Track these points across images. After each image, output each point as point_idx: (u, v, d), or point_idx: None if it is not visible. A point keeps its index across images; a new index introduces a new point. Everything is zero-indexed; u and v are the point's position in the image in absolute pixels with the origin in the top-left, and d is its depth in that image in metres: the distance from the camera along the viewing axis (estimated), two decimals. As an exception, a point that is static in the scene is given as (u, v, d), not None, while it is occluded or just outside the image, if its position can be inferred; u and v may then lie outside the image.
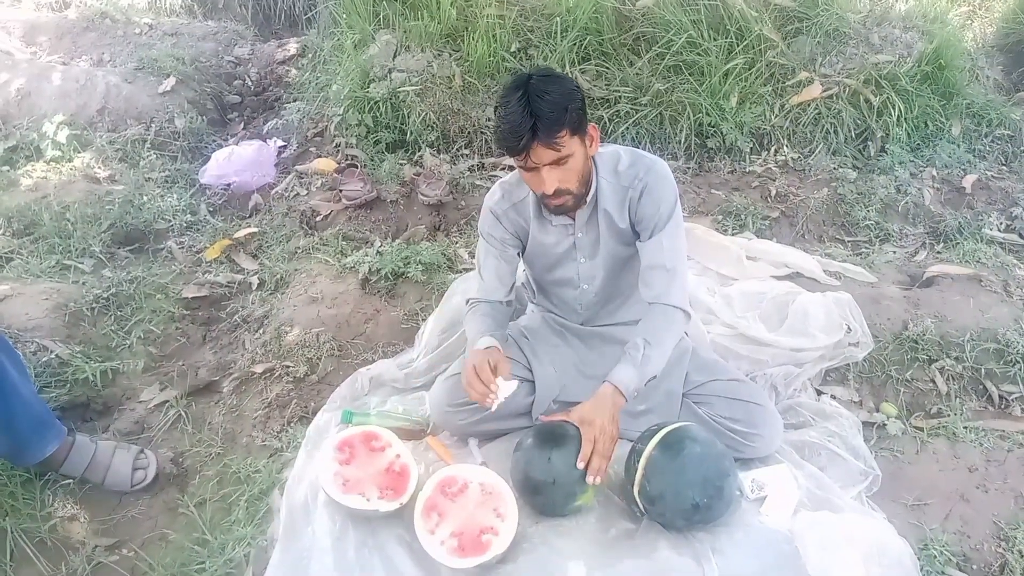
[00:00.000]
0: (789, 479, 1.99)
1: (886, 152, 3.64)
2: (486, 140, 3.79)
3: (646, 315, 2.02)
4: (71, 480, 2.17)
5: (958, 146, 3.70)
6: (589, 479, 1.85)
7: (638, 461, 1.86)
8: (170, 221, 3.41)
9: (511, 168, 3.56)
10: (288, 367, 2.54)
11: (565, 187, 1.88)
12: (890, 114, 3.65)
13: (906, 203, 3.39)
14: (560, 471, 1.86)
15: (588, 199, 2.01)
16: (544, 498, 1.91)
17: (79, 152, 3.78)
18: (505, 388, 1.95)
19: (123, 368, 2.58)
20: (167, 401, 2.48)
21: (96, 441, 2.21)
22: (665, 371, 2.02)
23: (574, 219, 2.05)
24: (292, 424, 2.37)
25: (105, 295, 2.82)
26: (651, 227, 2.00)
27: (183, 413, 2.45)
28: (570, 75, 3.52)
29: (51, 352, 2.49)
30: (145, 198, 3.47)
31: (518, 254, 2.20)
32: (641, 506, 1.88)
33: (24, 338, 2.52)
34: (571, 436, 1.90)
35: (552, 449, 1.88)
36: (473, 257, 3.00)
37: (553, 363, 2.24)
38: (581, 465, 1.84)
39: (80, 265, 3.06)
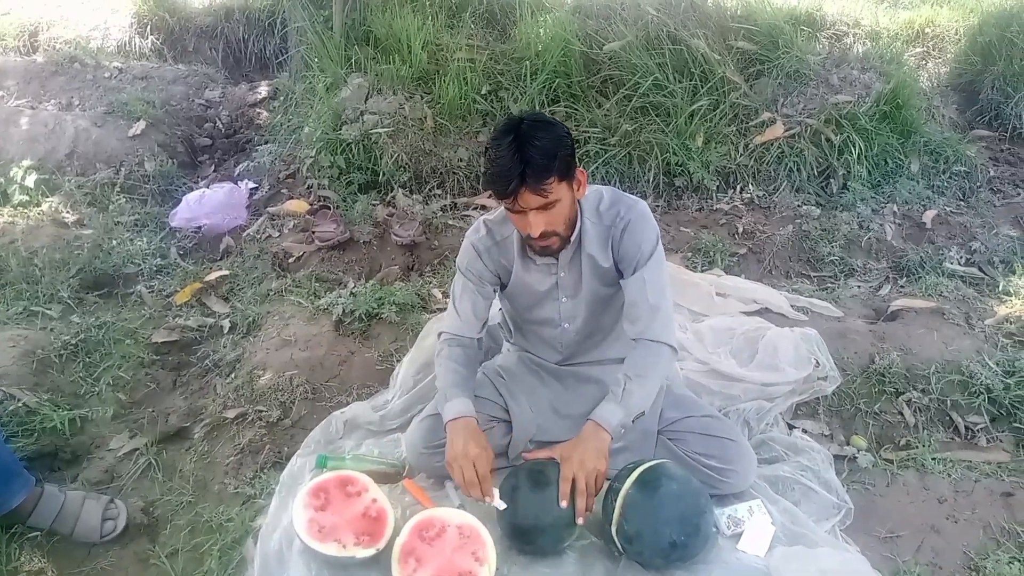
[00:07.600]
0: (764, 514, 2.01)
1: (848, 189, 3.74)
2: (458, 180, 3.83)
3: (630, 352, 2.03)
4: (39, 532, 2.11)
5: (917, 182, 3.81)
6: (579, 520, 1.85)
7: (615, 500, 1.87)
8: (139, 265, 3.38)
9: (484, 208, 3.61)
10: (261, 411, 2.52)
11: (552, 229, 1.90)
12: (851, 152, 3.76)
13: (869, 239, 3.47)
14: (548, 518, 1.86)
15: (572, 239, 2.03)
16: (535, 547, 1.92)
17: (47, 196, 3.75)
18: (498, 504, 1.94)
19: (92, 416, 2.54)
20: (137, 449, 2.44)
21: (64, 491, 2.16)
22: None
23: (557, 259, 2.07)
24: (265, 470, 2.34)
25: (73, 341, 2.78)
26: (633, 264, 2.03)
27: (153, 461, 2.40)
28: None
29: (18, 400, 2.44)
30: (114, 242, 3.44)
31: (495, 291, 2.21)
32: (619, 545, 1.88)
33: (-10, 387, 2.47)
34: (556, 482, 1.88)
35: (540, 496, 1.87)
36: (447, 297, 3.00)
37: (529, 403, 2.24)
38: (564, 505, 1.84)
39: (48, 311, 3.01)
